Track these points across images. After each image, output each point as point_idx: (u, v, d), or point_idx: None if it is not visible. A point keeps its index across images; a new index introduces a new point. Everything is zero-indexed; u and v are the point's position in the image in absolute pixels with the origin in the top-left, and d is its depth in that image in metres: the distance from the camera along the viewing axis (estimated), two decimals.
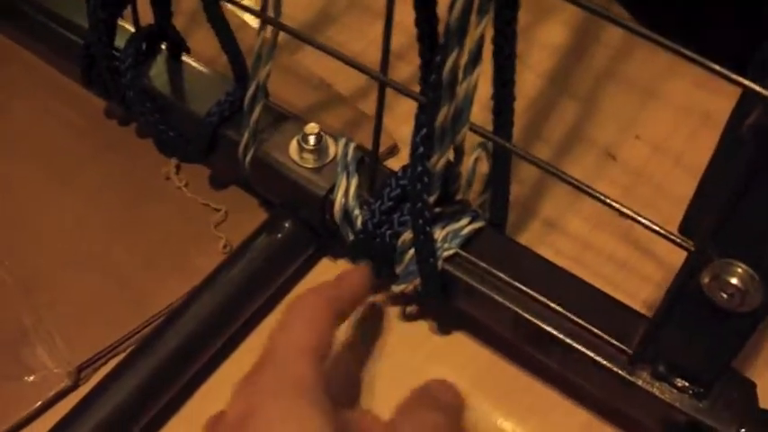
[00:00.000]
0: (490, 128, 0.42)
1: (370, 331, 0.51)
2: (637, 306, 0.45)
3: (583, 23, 0.67)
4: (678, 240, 0.37)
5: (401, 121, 0.55)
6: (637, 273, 0.53)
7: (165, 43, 0.56)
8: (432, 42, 0.39)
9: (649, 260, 0.54)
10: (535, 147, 0.59)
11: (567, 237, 0.55)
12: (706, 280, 0.36)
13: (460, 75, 0.38)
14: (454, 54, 0.37)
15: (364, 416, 0.42)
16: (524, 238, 0.53)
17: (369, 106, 0.60)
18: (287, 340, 0.39)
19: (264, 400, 0.36)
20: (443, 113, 0.39)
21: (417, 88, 0.42)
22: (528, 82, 0.63)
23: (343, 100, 0.60)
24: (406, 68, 0.55)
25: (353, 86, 0.62)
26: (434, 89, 0.38)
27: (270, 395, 0.36)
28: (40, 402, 0.47)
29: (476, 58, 0.37)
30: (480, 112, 0.42)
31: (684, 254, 0.37)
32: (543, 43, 0.66)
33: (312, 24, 0.67)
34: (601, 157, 0.60)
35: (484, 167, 0.47)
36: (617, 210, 0.38)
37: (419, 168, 0.41)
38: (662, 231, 0.37)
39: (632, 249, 0.54)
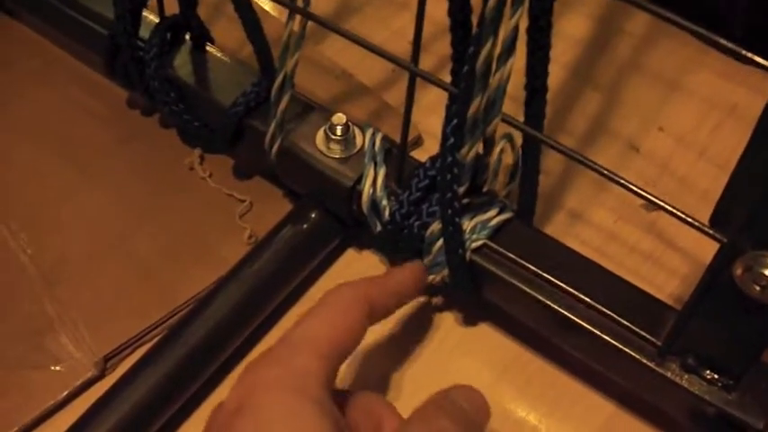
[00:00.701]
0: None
1: (396, 323, 0.51)
2: (663, 298, 0.45)
3: (606, 15, 0.67)
4: (710, 232, 0.36)
5: (426, 112, 0.55)
6: (662, 265, 0.53)
7: (189, 33, 0.56)
8: (465, 32, 0.38)
9: (675, 253, 0.54)
10: (559, 138, 0.57)
11: (592, 228, 0.55)
12: (738, 272, 0.36)
13: (494, 65, 0.38)
14: (488, 45, 0.36)
15: (372, 414, 0.40)
16: (549, 230, 0.53)
17: (391, 97, 0.60)
18: (302, 331, 0.38)
19: (260, 390, 0.35)
20: (476, 104, 0.39)
21: (443, 78, 0.42)
22: (551, 73, 0.62)
23: (367, 90, 0.60)
24: (430, 59, 0.55)
25: (376, 77, 0.62)
26: (467, 80, 0.38)
27: (267, 386, 0.35)
28: (66, 392, 0.47)
29: (510, 49, 0.37)
30: (508, 103, 0.41)
31: (712, 247, 0.37)
32: (566, 35, 0.65)
33: (334, 15, 0.67)
34: (624, 149, 0.59)
35: (508, 159, 0.47)
36: (646, 199, 0.38)
37: (449, 159, 0.41)
38: (694, 222, 0.37)
39: (657, 242, 0.54)
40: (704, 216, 0.46)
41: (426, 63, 0.54)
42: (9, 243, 0.54)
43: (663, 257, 0.54)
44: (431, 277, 0.47)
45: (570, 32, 0.66)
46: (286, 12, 0.45)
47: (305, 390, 0.35)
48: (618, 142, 0.59)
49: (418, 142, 0.58)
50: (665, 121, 0.61)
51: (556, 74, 0.63)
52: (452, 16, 0.38)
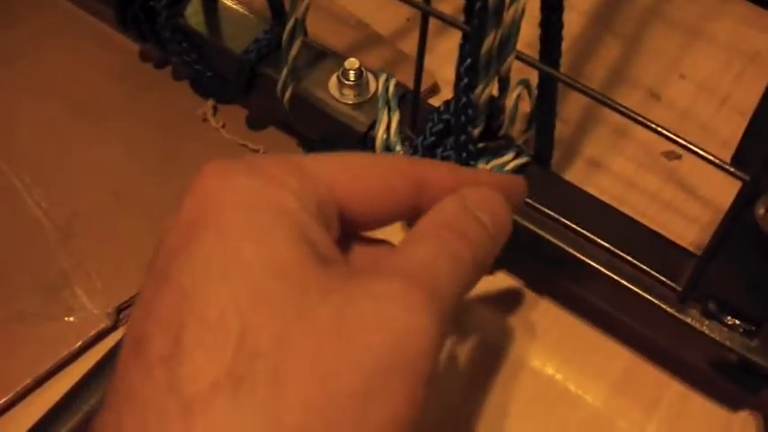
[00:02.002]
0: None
1: None
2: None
3: None
4: (732, 170, 0.35)
5: (442, 61, 0.54)
6: (682, 214, 0.52)
7: None
8: None
9: (696, 201, 0.53)
10: None
11: (612, 176, 0.54)
12: (761, 211, 0.35)
13: (507, 0, 0.37)
14: None
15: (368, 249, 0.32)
16: (568, 177, 0.52)
17: (407, 46, 0.59)
18: (304, 157, 0.30)
19: (227, 203, 0.27)
20: (489, 41, 0.38)
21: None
22: (571, 21, 0.61)
23: (382, 39, 0.59)
24: (447, 8, 0.54)
25: (391, 27, 0.61)
26: (480, 16, 0.37)
27: (235, 199, 0.27)
28: (80, 342, 0.47)
29: None
30: (523, 51, 0.40)
31: (734, 190, 0.36)
32: None
33: None
34: (645, 97, 0.58)
35: (525, 106, 0.47)
36: (668, 138, 0.37)
37: (463, 100, 0.40)
38: (715, 161, 0.36)
39: (678, 190, 0.53)
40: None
41: (443, 10, 0.54)
42: (24, 198, 0.53)
43: (684, 206, 0.53)
44: None
45: None
46: None
47: (281, 209, 0.27)
48: (638, 90, 0.58)
49: (434, 90, 0.57)
50: (686, 69, 0.60)
51: (575, 22, 0.62)
52: None
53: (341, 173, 0.30)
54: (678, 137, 0.37)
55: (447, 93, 0.56)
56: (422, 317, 0.25)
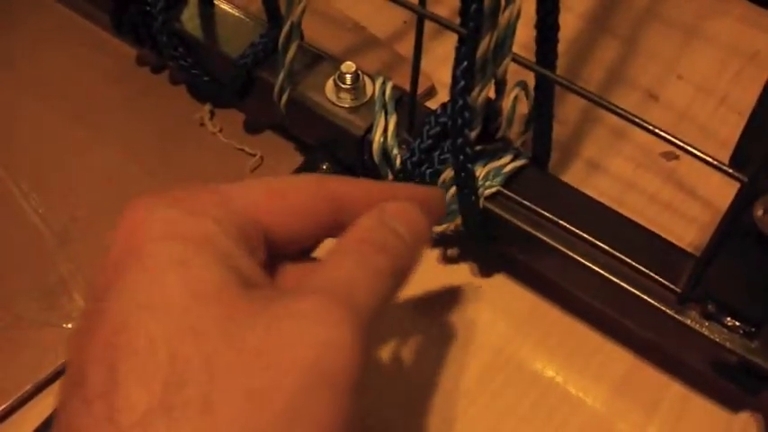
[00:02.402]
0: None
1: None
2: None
3: None
4: (730, 171, 0.35)
5: (439, 63, 0.54)
6: (682, 214, 0.52)
7: None
8: None
9: (694, 201, 0.53)
10: None
11: (610, 177, 0.54)
12: (759, 213, 0.35)
13: (502, 3, 0.37)
14: None
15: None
16: (566, 179, 0.52)
17: (404, 49, 0.59)
18: (225, 186, 0.31)
19: (148, 237, 0.27)
20: (485, 44, 0.38)
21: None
22: (568, 22, 0.61)
23: (379, 42, 0.59)
24: (443, 10, 0.54)
25: (388, 30, 0.60)
26: (475, 19, 0.37)
27: (156, 232, 0.27)
28: None
29: None
30: (519, 53, 0.40)
31: (733, 191, 0.35)
32: None
33: None
34: (643, 98, 0.58)
35: (523, 108, 0.46)
36: (668, 141, 0.37)
37: (460, 102, 0.40)
38: (713, 162, 0.36)
39: (677, 190, 0.53)
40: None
41: (438, 13, 0.54)
42: (21, 204, 0.53)
43: (682, 206, 0.52)
44: (444, 226, 0.46)
45: None
46: None
47: (203, 237, 0.28)
48: (636, 91, 0.58)
49: (431, 93, 0.57)
50: (684, 69, 0.60)
51: (572, 23, 0.62)
52: None
53: (262, 197, 0.31)
54: (675, 138, 0.36)
55: (444, 95, 0.56)
56: (340, 331, 0.26)
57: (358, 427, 0.27)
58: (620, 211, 0.45)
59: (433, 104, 0.49)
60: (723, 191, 0.37)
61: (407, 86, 0.46)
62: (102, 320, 0.26)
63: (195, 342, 0.25)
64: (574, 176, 0.53)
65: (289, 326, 0.26)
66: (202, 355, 0.25)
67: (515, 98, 0.45)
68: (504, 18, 0.37)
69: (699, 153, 0.36)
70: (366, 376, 0.27)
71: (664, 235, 0.44)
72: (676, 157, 0.54)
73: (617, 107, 0.37)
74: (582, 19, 0.62)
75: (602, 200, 0.46)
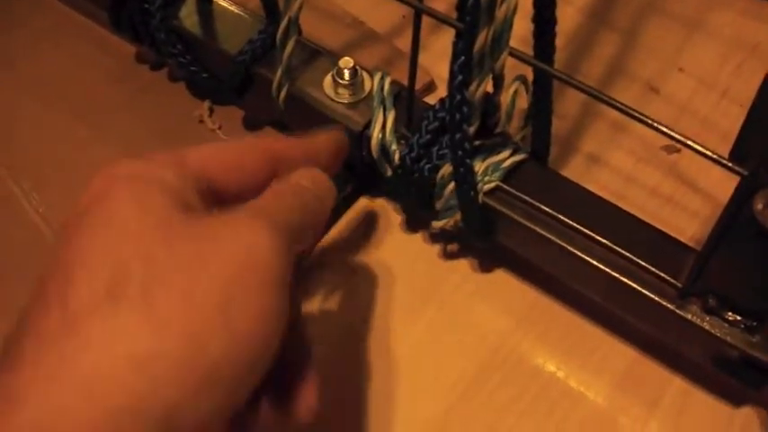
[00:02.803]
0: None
1: (412, 270, 0.50)
2: (683, 241, 0.44)
3: None
4: (730, 165, 0.35)
5: (437, 58, 0.54)
6: (683, 208, 0.52)
7: None
8: None
9: (695, 195, 0.52)
10: None
11: (611, 171, 0.54)
12: (759, 206, 0.35)
13: None
14: None
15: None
16: (567, 174, 0.52)
17: (403, 43, 0.59)
18: (175, 152, 0.35)
19: (112, 186, 0.31)
20: (482, 38, 0.38)
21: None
22: (568, 16, 0.61)
23: (378, 37, 0.59)
24: (441, 5, 0.53)
25: (387, 24, 0.60)
26: (472, 13, 0.37)
27: (119, 181, 0.31)
28: None
29: None
30: (517, 47, 0.40)
31: (733, 184, 0.35)
32: None
33: None
34: (643, 91, 0.58)
35: (523, 103, 0.46)
36: (666, 135, 0.36)
37: (458, 98, 0.40)
38: (713, 156, 0.36)
39: (678, 184, 0.53)
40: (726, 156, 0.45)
41: (436, 8, 0.53)
42: (22, 203, 0.53)
43: (683, 200, 0.52)
44: (443, 222, 0.46)
45: None
46: None
47: (162, 182, 0.32)
48: (637, 84, 0.58)
49: (430, 88, 0.57)
50: (685, 62, 0.59)
51: (572, 17, 0.62)
52: None
53: (211, 155, 0.35)
54: (675, 132, 0.36)
55: (444, 90, 0.56)
56: (263, 236, 0.31)
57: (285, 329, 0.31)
58: (621, 205, 0.45)
59: (432, 99, 0.49)
60: (724, 184, 0.37)
61: (406, 81, 0.46)
62: (64, 248, 0.30)
63: (138, 249, 0.29)
64: (574, 171, 0.53)
65: (221, 233, 0.31)
66: (144, 258, 0.29)
67: (514, 93, 0.45)
68: (500, 12, 0.37)
69: (699, 147, 0.36)
70: (288, 277, 0.31)
71: (665, 229, 0.44)
72: (677, 151, 0.54)
73: (616, 101, 0.37)
74: (581, 12, 0.62)
75: (602, 194, 0.45)
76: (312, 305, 0.48)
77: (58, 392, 0.27)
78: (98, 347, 0.27)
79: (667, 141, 0.54)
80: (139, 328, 0.27)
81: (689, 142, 0.36)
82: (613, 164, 0.54)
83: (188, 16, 0.53)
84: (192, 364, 0.28)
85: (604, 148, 0.54)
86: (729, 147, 0.37)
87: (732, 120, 0.55)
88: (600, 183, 0.52)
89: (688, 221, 0.51)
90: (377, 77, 0.47)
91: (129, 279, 0.28)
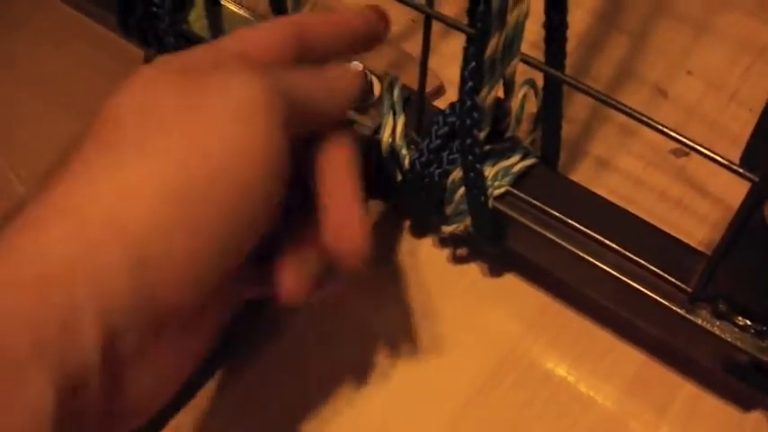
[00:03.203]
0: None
1: (421, 274, 0.50)
2: (692, 245, 0.44)
3: None
4: (740, 171, 0.35)
5: (447, 61, 0.54)
6: (692, 212, 0.52)
7: None
8: None
9: (704, 199, 0.52)
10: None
11: (620, 175, 0.54)
12: None
13: (510, 2, 0.37)
14: None
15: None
16: (576, 178, 0.52)
17: (412, 47, 0.59)
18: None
19: (167, 90, 0.33)
20: (493, 44, 0.38)
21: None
22: (577, 18, 0.61)
23: (387, 41, 0.59)
24: (450, 9, 0.54)
25: (396, 28, 0.60)
26: (483, 19, 0.37)
27: (159, 76, 0.34)
28: None
29: None
30: (528, 51, 0.40)
31: (743, 191, 0.35)
32: None
33: None
34: (652, 94, 0.58)
35: (532, 107, 0.46)
36: (675, 139, 0.36)
37: (468, 103, 0.40)
38: (723, 161, 0.36)
39: (687, 188, 0.53)
40: (736, 160, 0.44)
41: (447, 12, 0.53)
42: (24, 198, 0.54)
43: (693, 204, 0.52)
44: (453, 227, 0.46)
45: None
46: None
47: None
48: (645, 87, 0.58)
49: (440, 92, 0.57)
50: (693, 65, 0.59)
51: (581, 19, 0.62)
52: None
53: (242, 39, 0.37)
54: (683, 137, 0.36)
55: (453, 94, 0.56)
56: (255, 76, 0.33)
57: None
58: (630, 209, 0.45)
59: (442, 103, 0.49)
60: (733, 187, 0.37)
61: (416, 85, 0.46)
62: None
63: (131, 99, 0.33)
64: (583, 175, 0.53)
65: (213, 85, 0.33)
66: (140, 109, 0.32)
67: (524, 97, 0.45)
68: (512, 18, 0.37)
69: (709, 152, 0.36)
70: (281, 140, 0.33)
71: (674, 232, 0.44)
72: (686, 154, 0.54)
73: (625, 106, 0.37)
74: (591, 14, 0.62)
75: (611, 198, 0.45)
76: (323, 307, 0.48)
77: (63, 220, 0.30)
78: (93, 182, 0.31)
79: (676, 145, 0.54)
80: (132, 161, 0.31)
81: (698, 147, 0.36)
82: (622, 167, 0.54)
83: (197, 20, 0.54)
84: (174, 195, 0.30)
85: (613, 152, 0.54)
86: (739, 150, 0.37)
87: (741, 123, 0.55)
88: (609, 186, 0.52)
89: (697, 225, 0.51)
90: (386, 82, 0.47)
91: (122, 128, 0.32)
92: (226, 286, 0.33)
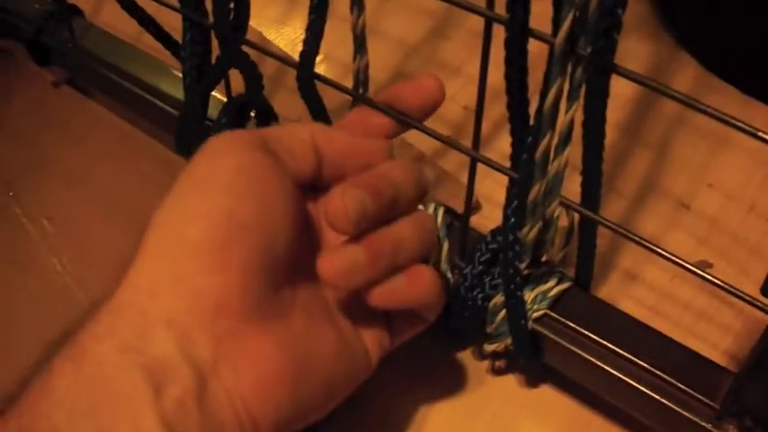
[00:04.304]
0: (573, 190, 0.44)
1: (459, 386, 0.53)
2: (717, 356, 0.46)
3: (652, 73, 0.69)
4: (762, 306, 0.38)
5: (481, 176, 0.56)
6: (716, 322, 0.55)
7: (254, 111, 0.58)
8: (523, 122, 0.40)
9: (728, 309, 0.55)
10: (610, 199, 0.61)
11: (646, 287, 0.56)
12: None
13: (552, 154, 0.40)
14: (547, 137, 0.39)
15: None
16: (605, 290, 0.55)
17: (447, 163, 0.62)
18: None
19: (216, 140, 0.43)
20: (536, 190, 0.41)
21: (498, 144, 0.43)
22: None
23: (425, 159, 0.62)
24: (485, 124, 0.57)
25: (433, 145, 0.63)
26: (527, 168, 0.40)
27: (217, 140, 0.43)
28: None
29: (566, 140, 0.39)
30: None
31: (765, 299, 0.38)
32: (615, 93, 0.66)
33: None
34: (675, 206, 0.61)
35: (563, 221, 0.49)
36: (692, 271, 0.40)
37: (511, 237, 0.43)
38: (747, 298, 0.39)
39: (711, 298, 0.56)
40: (755, 271, 0.47)
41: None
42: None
43: (717, 314, 0.55)
44: (495, 345, 0.49)
45: (617, 91, 0.67)
46: None
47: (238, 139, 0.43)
48: (668, 200, 0.61)
49: (476, 207, 0.59)
50: (713, 178, 0.63)
51: (607, 133, 0.65)
52: (510, 109, 0.40)
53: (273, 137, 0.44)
54: (697, 267, 0.39)
55: (488, 209, 0.59)
56: (252, 150, 0.42)
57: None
58: (657, 320, 0.48)
59: (478, 218, 0.52)
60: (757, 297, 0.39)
61: (452, 201, 0.49)
62: None
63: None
64: (612, 286, 0.56)
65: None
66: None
67: (556, 218, 0.48)
68: (553, 167, 0.40)
69: (734, 290, 0.39)
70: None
71: (699, 343, 0.46)
72: (710, 266, 0.57)
73: (638, 237, 0.41)
74: (616, 129, 0.65)
75: (639, 309, 0.48)
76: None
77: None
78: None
79: (700, 257, 0.57)
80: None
81: (723, 284, 0.39)
82: (650, 279, 0.57)
83: None
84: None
85: (641, 264, 0.57)
86: (758, 261, 0.39)
87: (759, 234, 0.58)
88: (636, 298, 0.55)
89: (722, 336, 0.54)
90: (430, 208, 0.50)
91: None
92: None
